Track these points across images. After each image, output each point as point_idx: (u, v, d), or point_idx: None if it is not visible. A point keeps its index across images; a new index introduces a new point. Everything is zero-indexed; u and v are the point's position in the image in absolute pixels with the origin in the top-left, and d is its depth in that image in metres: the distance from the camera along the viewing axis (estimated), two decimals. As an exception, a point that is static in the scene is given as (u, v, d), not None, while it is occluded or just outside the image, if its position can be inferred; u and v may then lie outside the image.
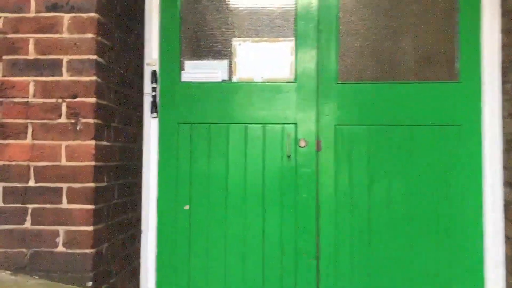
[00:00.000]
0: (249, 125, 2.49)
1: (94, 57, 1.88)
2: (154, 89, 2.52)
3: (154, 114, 2.51)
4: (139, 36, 2.45)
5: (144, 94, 2.52)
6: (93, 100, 1.87)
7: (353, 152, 2.45)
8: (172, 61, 2.54)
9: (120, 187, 2.17)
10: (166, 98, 2.52)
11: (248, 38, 2.55)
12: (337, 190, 2.45)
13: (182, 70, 2.56)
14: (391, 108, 2.45)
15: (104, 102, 1.97)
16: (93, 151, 1.87)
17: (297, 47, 2.50)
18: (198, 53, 2.56)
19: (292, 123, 2.48)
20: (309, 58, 2.49)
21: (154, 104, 2.51)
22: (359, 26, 2.51)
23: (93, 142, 1.87)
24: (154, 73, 2.52)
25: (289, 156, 2.47)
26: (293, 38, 2.53)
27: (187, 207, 2.49)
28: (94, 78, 1.88)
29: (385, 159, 2.45)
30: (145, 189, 2.50)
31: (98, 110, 1.90)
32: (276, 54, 2.54)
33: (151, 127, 2.52)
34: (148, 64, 2.53)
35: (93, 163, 1.86)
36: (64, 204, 1.86)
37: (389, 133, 2.45)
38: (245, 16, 2.56)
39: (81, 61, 1.88)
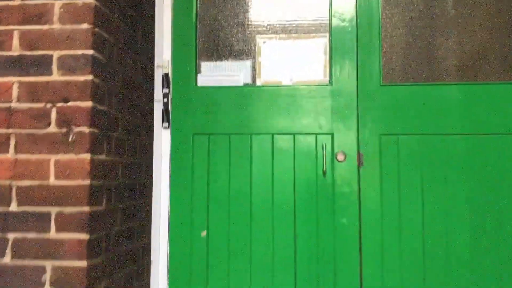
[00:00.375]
0: (276, 136, 2.12)
1: (91, 52, 1.54)
2: (166, 95, 2.17)
3: (166, 124, 2.15)
4: (148, 33, 2.11)
5: (155, 101, 2.17)
6: (88, 104, 1.52)
7: (402, 167, 2.05)
8: (186, 63, 2.19)
9: (124, 210, 1.80)
10: (180, 105, 2.17)
11: (274, 35, 2.19)
12: (383, 214, 2.04)
13: (198, 73, 2.21)
14: (448, 114, 2.05)
15: (103, 108, 1.62)
16: (89, 167, 1.51)
17: (332, 44, 2.13)
18: (217, 53, 2.21)
19: (328, 133, 2.09)
20: (347, 56, 2.11)
21: (165, 112, 2.16)
22: (406, 17, 2.13)
23: (88, 156, 1.51)
24: (166, 76, 2.17)
25: (324, 173, 2.07)
26: (327, 34, 2.16)
27: (204, 233, 2.11)
28: (90, 77, 1.53)
29: (442, 176, 2.03)
30: (155, 212, 2.13)
31: (95, 117, 1.55)
32: (308, 53, 2.17)
33: (162, 138, 2.17)
34: (158, 66, 2.18)
35: (88, 182, 1.51)
36: (53, 233, 1.50)
37: (447, 144, 2.04)
38: (270, 9, 2.20)
39: (75, 57, 1.54)
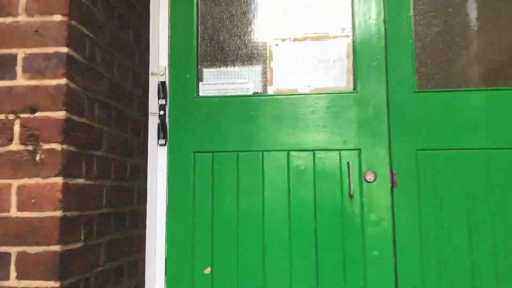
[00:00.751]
0: (292, 153, 1.79)
1: (65, 49, 1.23)
2: (162, 107, 1.86)
3: (162, 141, 1.84)
4: (141, 35, 1.81)
5: (149, 114, 1.86)
6: (61, 115, 1.21)
7: (444, 188, 1.71)
8: (186, 69, 1.89)
9: (111, 245, 1.47)
10: (179, 119, 1.86)
11: (288, 36, 1.89)
12: (423, 244, 1.69)
13: (200, 81, 1.90)
14: (499, 124, 1.72)
15: (82, 120, 1.30)
16: (60, 195, 1.19)
17: (356, 44, 1.82)
18: (222, 58, 1.91)
19: (354, 149, 1.76)
20: (374, 59, 1.80)
21: (162, 127, 1.84)
22: (442, 13, 1.82)
23: (60, 180, 1.19)
24: (162, 85, 1.87)
25: (351, 196, 1.74)
26: (350, 33, 1.85)
27: (208, 270, 1.77)
28: (64, 81, 1.22)
29: (492, 198, 1.69)
30: (150, 245, 1.79)
31: (70, 131, 1.23)
32: (327, 56, 1.86)
33: (157, 157, 1.84)
34: (154, 74, 1.88)
35: (59, 213, 1.18)
36: (12, 281, 1.17)
37: (499, 159, 1.70)
38: (284, 6, 1.90)
39: (45, 56, 1.23)
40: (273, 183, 1.78)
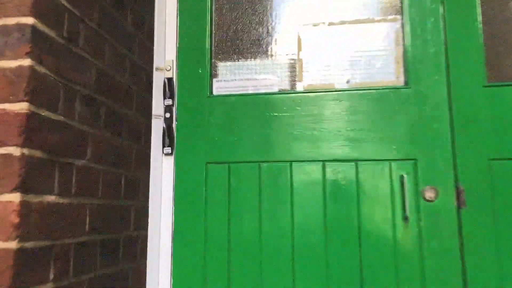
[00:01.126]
0: (329, 164, 1.43)
1: (30, 20, 0.91)
2: (168, 108, 1.52)
3: (168, 149, 1.50)
4: (143, 20, 1.49)
5: (152, 116, 1.52)
6: (22, 107, 0.88)
7: (529, 209, 1.32)
8: (198, 64, 1.56)
9: (97, 282, 1.12)
10: (188, 122, 1.52)
11: (321, 20, 1.54)
12: (502, 280, 1.30)
13: (214, 78, 1.57)
14: None
15: (54, 116, 0.97)
16: (16, 218, 0.85)
17: (407, 29, 1.47)
18: (240, 50, 1.57)
19: (408, 159, 1.39)
20: (429, 47, 1.44)
21: (168, 132, 1.51)
22: (514, -10, 1.46)
23: (16, 198, 0.85)
24: (168, 82, 1.54)
25: (406, 218, 1.36)
26: (399, 16, 1.50)
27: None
28: (27, 62, 0.89)
29: None
30: (152, 279, 1.44)
31: (35, 131, 0.90)
32: (371, 44, 1.51)
33: (162, 169, 1.50)
34: (158, 69, 1.55)
35: (13, 244, 0.84)
36: None
37: None
38: (315, -14, 1.57)
39: (3, 29, 0.91)
40: (305, 202, 1.42)
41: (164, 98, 1.53)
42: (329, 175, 1.42)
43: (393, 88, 1.44)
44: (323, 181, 1.42)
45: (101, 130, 1.17)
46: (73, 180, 1.03)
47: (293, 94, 1.49)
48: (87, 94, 1.10)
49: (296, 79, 1.52)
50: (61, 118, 0.99)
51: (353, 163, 1.42)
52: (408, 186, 1.37)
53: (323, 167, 1.43)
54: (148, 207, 1.46)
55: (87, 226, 1.08)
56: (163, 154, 1.51)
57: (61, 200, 0.98)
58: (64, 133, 1.00)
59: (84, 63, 1.09)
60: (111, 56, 1.24)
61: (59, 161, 0.98)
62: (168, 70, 1.55)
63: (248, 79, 1.54)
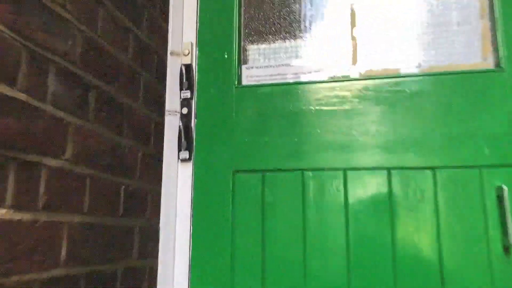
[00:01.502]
0: (395, 172, 1.07)
1: None
2: (186, 102, 1.21)
3: (185, 153, 1.17)
4: (154, -11, 1.19)
5: (166, 112, 1.21)
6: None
7: None
8: (223, 46, 1.24)
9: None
10: (211, 120, 1.20)
11: (380, -9, 1.21)
12: None
13: (243, 64, 1.25)
14: None
15: (8, 92, 0.66)
16: None
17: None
18: (276, 29, 1.25)
19: (505, 165, 1.02)
20: (530, 17, 1.08)
21: (185, 132, 1.19)
22: None
23: None
24: (187, 70, 1.23)
25: (507, 248, 0.98)
26: (484, -21, 1.15)
27: None
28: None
29: None
30: (160, 322, 1.10)
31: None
32: (446, 17, 1.16)
33: (177, 180, 1.18)
34: (174, 54, 1.24)
35: None
36: None
37: None
38: None
39: None
40: (365, 220, 1.06)
41: (181, 89, 1.22)
42: (396, 185, 1.06)
43: (481, 72, 1.08)
44: (388, 193, 1.06)
45: (90, 122, 0.86)
46: (41, 188, 0.71)
47: (346, 82, 1.15)
48: (67, 68, 0.79)
49: (351, 62, 1.18)
50: (21, 96, 0.68)
51: (430, 171, 1.06)
52: (507, 201, 1.00)
53: (389, 176, 1.07)
54: (158, 228, 1.13)
55: (63, 255, 0.76)
56: (179, 160, 1.18)
57: (18, 216, 0.66)
58: (28, 118, 0.69)
59: (64, 25, 0.79)
60: (107, 25, 0.93)
61: (16, 159, 0.66)
62: (186, 55, 1.24)
63: (286, 65, 1.21)
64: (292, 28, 1.24)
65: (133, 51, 1.05)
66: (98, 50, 0.89)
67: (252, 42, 1.25)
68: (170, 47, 1.24)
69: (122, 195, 0.96)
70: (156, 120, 1.15)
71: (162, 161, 1.16)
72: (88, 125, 0.85)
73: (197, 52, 1.25)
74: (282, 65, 1.22)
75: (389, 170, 1.08)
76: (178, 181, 1.17)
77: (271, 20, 1.25)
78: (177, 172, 1.18)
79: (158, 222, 1.13)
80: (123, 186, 0.97)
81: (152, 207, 1.10)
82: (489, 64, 1.10)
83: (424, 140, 1.07)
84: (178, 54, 1.24)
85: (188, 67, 1.23)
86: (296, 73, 1.21)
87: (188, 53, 1.24)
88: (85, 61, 0.85)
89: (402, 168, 1.07)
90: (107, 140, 0.91)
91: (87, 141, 0.85)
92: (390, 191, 1.06)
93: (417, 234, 1.04)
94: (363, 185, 1.08)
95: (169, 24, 1.24)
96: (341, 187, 1.09)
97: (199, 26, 1.26)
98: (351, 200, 1.08)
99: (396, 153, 1.08)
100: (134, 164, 1.02)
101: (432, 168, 1.06)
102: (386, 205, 1.06)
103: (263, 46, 1.24)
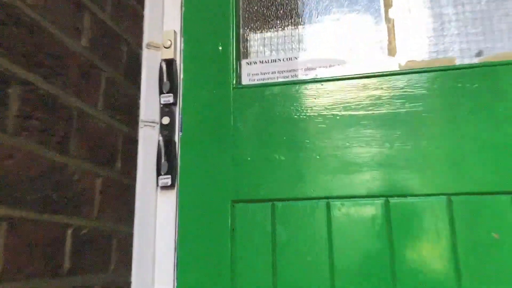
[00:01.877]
0: (458, 199, 0.77)
1: None
2: (168, 109, 0.90)
3: (167, 179, 0.86)
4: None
5: (139, 122, 0.90)
6: None
7: None
8: (216, 36, 0.94)
9: None
10: (202, 133, 0.89)
11: (420, -40, 0.92)
12: None
13: (243, 58, 0.95)
14: None
15: None
16: None
17: None
18: (285, 12, 0.96)
19: None
20: None
21: (167, 150, 0.88)
22: None
23: None
24: (168, 67, 0.92)
25: None
26: None
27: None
28: None
29: None
30: None
31: None
32: (512, -10, 0.87)
33: (156, 214, 0.86)
34: (151, 46, 0.94)
35: None
36: None
37: None
38: None
39: None
40: (409, 258, 0.75)
41: (161, 92, 0.91)
42: (460, 218, 0.76)
43: None
44: (451, 229, 0.76)
45: (9, 135, 0.55)
46: None
47: (382, 78, 0.85)
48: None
49: (388, 52, 0.88)
50: None
51: (508, 196, 0.75)
52: None
53: (449, 204, 0.77)
54: (128, 286, 0.80)
55: None
56: (158, 188, 0.87)
57: None
58: None
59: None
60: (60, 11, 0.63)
61: None
62: (167, 48, 0.94)
63: (299, 58, 0.92)
64: (304, 12, 0.94)
65: (90, 37, 0.74)
66: (28, 28, 0.59)
67: (254, 29, 0.96)
68: (146, 37, 0.94)
69: (68, 243, 0.64)
70: (126, 133, 0.84)
71: (133, 190, 0.85)
72: (5, 138, 0.54)
73: (182, 43, 0.95)
74: (294, 57, 0.92)
75: (448, 196, 0.77)
76: (157, 218, 0.86)
77: (279, 2, 0.96)
78: (156, 204, 0.86)
79: (129, 278, 0.80)
80: (70, 230, 0.65)
81: (119, 256, 0.78)
82: None
83: (494, 157, 0.77)
84: (157, 46, 0.94)
85: (170, 63, 0.93)
86: (312, 68, 0.91)
87: (170, 45, 0.94)
88: (4, 41, 0.54)
89: (466, 193, 0.77)
90: (41, 161, 0.60)
91: (3, 163, 0.53)
92: (452, 228, 0.76)
93: (483, 274, 0.73)
94: (409, 214, 0.77)
95: (145, 6, 0.95)
96: (381, 219, 0.78)
97: (185, 10, 0.97)
98: (395, 232, 0.77)
99: (460, 174, 0.77)
100: (90, 196, 0.71)
101: (510, 194, 0.75)
102: (449, 239, 0.75)
103: (268, 34, 0.95)
